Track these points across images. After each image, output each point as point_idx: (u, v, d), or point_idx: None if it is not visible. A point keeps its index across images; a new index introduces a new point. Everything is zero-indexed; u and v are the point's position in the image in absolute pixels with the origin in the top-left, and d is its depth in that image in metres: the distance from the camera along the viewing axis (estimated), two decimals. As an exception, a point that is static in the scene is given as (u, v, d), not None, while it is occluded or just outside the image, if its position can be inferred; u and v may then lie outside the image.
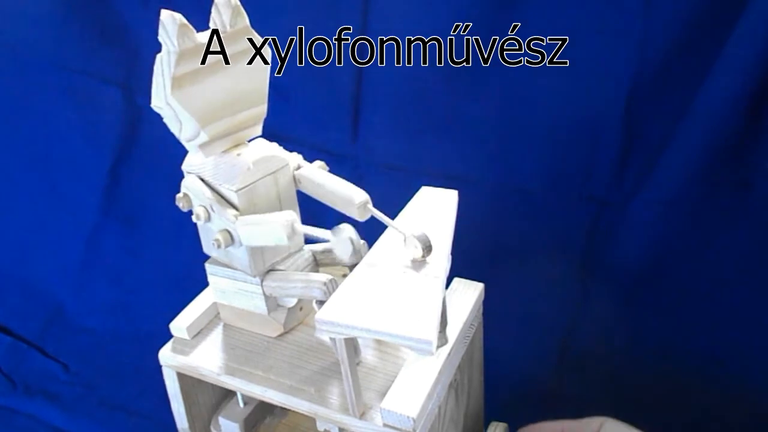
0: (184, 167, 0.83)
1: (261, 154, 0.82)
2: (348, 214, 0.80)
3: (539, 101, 1.26)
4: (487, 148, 1.31)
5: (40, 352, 1.50)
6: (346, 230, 0.74)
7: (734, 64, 1.11)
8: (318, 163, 0.85)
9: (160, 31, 0.73)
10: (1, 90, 1.58)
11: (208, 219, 0.81)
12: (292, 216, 0.75)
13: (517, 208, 1.33)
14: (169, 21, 0.72)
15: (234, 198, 0.80)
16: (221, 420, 0.97)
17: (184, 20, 0.72)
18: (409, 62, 1.31)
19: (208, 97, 0.78)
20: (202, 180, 0.82)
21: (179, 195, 0.82)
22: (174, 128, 0.78)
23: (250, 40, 0.79)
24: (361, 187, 0.80)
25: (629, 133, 1.22)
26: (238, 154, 0.81)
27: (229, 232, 0.80)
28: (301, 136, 1.36)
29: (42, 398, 1.40)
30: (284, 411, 1.08)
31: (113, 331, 1.52)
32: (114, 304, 1.56)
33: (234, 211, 0.80)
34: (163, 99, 0.76)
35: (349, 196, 0.79)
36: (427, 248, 0.75)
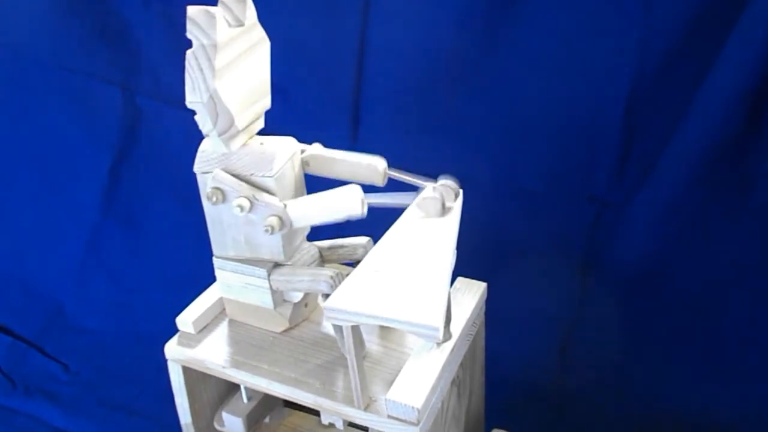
0: (198, 167, 0.83)
1: (279, 140, 0.85)
2: (369, 181, 0.84)
3: (539, 101, 1.26)
4: (488, 148, 1.32)
5: (40, 352, 1.49)
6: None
7: (734, 65, 1.12)
8: (316, 145, 0.88)
9: (189, 26, 0.75)
10: (1, 90, 1.58)
11: (251, 209, 0.81)
12: (359, 188, 0.79)
13: (517, 208, 1.33)
14: (202, 15, 0.74)
15: (270, 184, 0.82)
16: (225, 415, 0.97)
17: (219, 13, 0.74)
18: (409, 62, 1.32)
19: (238, 88, 0.80)
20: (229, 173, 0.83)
21: (210, 191, 0.82)
22: (207, 124, 0.80)
23: (259, 33, 0.82)
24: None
25: (629, 133, 1.23)
26: (261, 143, 0.84)
27: (279, 217, 0.81)
28: (301, 135, 1.36)
29: (42, 398, 1.40)
30: (286, 411, 1.08)
31: (113, 331, 1.52)
32: (114, 304, 1.55)
33: (276, 197, 0.81)
34: (203, 93, 0.77)
35: (373, 164, 0.84)
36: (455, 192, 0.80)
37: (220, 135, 0.80)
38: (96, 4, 1.46)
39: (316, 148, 0.87)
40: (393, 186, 0.85)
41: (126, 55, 1.50)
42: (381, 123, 1.37)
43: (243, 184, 0.81)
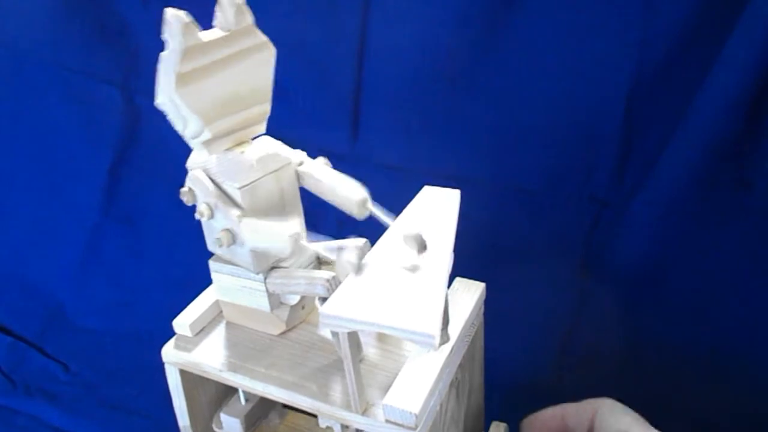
0: (189, 164, 0.83)
1: (264, 152, 0.82)
2: (347, 212, 0.81)
3: (539, 101, 1.26)
4: (487, 148, 1.31)
5: (40, 352, 1.50)
6: (348, 253, 0.73)
7: (734, 65, 1.11)
8: (321, 159, 0.86)
9: (164, 29, 0.74)
10: (1, 90, 1.58)
11: (212, 216, 0.81)
12: (298, 229, 0.76)
13: (517, 208, 1.33)
14: (174, 19, 0.73)
15: (237, 195, 0.80)
16: (223, 416, 0.97)
17: (189, 18, 0.73)
18: (409, 62, 1.31)
19: (212, 95, 0.78)
20: (208, 176, 0.82)
21: (184, 189, 0.82)
22: (178, 126, 0.79)
23: (255, 39, 0.80)
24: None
25: (629, 133, 1.23)
26: (242, 152, 0.82)
27: (231, 232, 0.80)
28: (301, 136, 1.35)
29: (42, 398, 1.40)
30: (284, 411, 1.08)
31: (113, 331, 1.52)
32: (114, 304, 1.56)
33: (237, 211, 0.80)
34: (167, 96, 0.76)
35: (347, 195, 0.81)
36: (422, 246, 0.76)
37: (191, 138, 0.79)
38: (96, 4, 1.46)
39: (310, 166, 0.85)
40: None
41: (126, 55, 1.50)
42: (381, 123, 1.37)
43: (212, 189, 0.80)
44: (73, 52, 1.51)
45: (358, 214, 0.81)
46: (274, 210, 0.84)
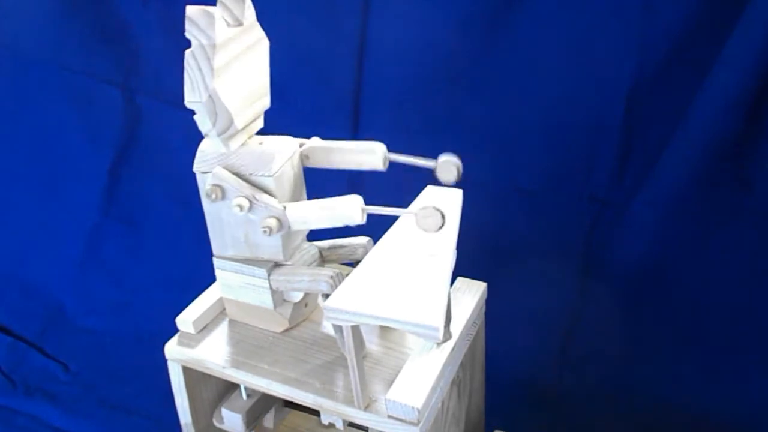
0: (198, 167, 0.84)
1: (278, 140, 0.84)
2: (370, 167, 0.84)
3: (539, 101, 1.26)
4: (487, 148, 1.32)
5: (40, 352, 1.49)
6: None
7: (734, 65, 1.12)
8: (315, 138, 0.88)
9: (188, 26, 0.75)
10: (1, 90, 1.58)
11: (250, 209, 0.81)
12: (360, 198, 0.78)
13: (517, 208, 1.33)
14: (200, 15, 0.74)
15: (270, 183, 0.82)
16: (224, 411, 0.97)
17: (217, 13, 0.74)
18: (409, 62, 1.31)
19: (237, 87, 0.80)
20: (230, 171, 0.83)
21: (209, 187, 0.82)
22: (206, 124, 0.80)
23: (258, 33, 0.82)
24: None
25: (629, 133, 1.23)
26: (261, 143, 0.84)
27: (278, 219, 0.81)
28: (301, 136, 1.36)
29: (42, 398, 1.40)
30: (284, 410, 1.08)
31: (113, 331, 1.52)
32: (114, 304, 1.55)
33: (275, 198, 0.81)
34: (202, 93, 0.77)
35: (371, 147, 0.84)
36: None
37: (219, 135, 0.80)
38: (96, 4, 1.46)
39: (315, 141, 0.87)
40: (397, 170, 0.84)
41: (126, 55, 1.50)
42: (381, 123, 1.37)
43: (243, 183, 0.81)
44: (73, 52, 1.51)
45: (383, 163, 0.83)
46: (293, 194, 0.86)
